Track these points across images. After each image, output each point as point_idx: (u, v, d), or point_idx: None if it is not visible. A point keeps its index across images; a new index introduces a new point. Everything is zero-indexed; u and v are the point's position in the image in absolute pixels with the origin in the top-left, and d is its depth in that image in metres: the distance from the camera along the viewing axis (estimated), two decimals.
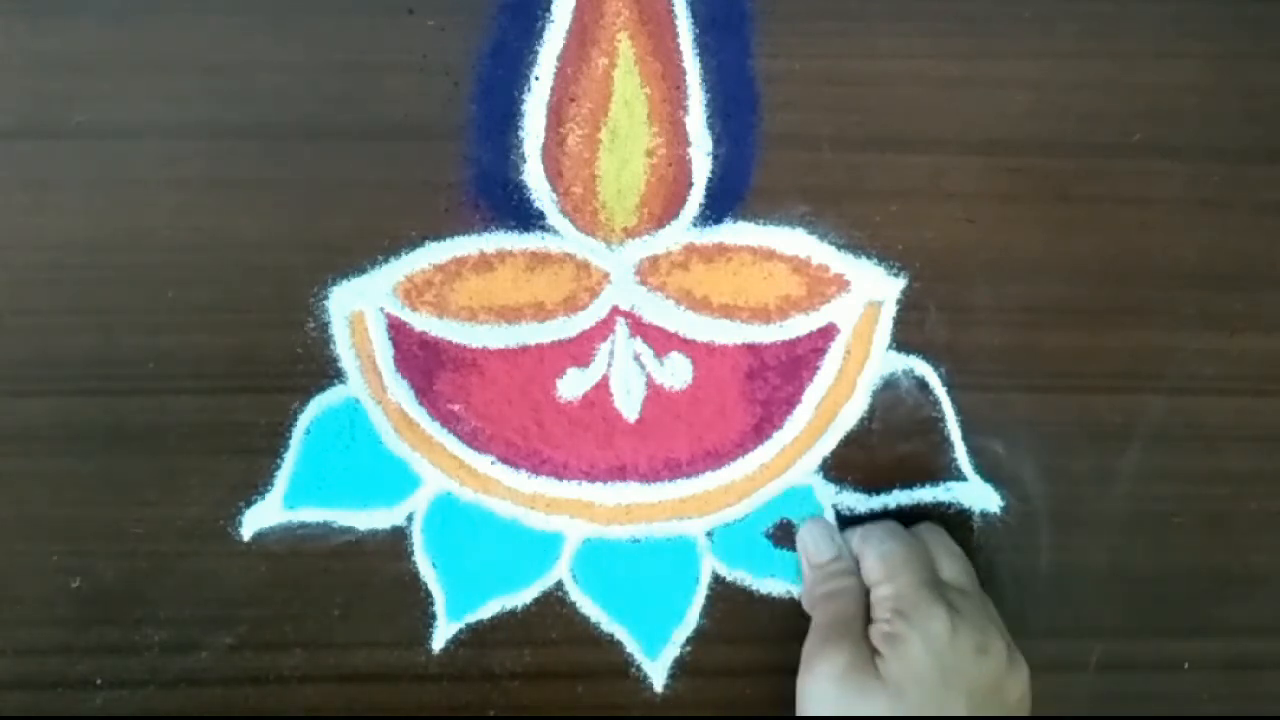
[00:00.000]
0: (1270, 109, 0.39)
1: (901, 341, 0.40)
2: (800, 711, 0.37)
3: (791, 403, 0.40)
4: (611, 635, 0.41)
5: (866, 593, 0.38)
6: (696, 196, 0.38)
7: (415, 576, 0.40)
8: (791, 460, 0.40)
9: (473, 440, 0.40)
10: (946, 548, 0.39)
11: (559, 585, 0.41)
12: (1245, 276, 0.40)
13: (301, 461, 0.39)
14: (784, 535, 0.41)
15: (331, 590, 0.40)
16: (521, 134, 0.38)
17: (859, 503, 0.41)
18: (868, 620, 0.37)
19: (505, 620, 0.41)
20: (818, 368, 0.40)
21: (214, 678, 0.40)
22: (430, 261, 0.38)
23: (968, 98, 0.38)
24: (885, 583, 0.37)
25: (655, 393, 0.40)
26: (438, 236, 0.38)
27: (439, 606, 0.40)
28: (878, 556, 0.37)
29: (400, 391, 0.39)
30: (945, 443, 0.41)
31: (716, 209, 0.38)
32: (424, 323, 0.39)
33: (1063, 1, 0.38)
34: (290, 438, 0.39)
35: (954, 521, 0.41)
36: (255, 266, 0.38)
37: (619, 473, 0.40)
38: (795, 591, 0.41)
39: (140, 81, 0.37)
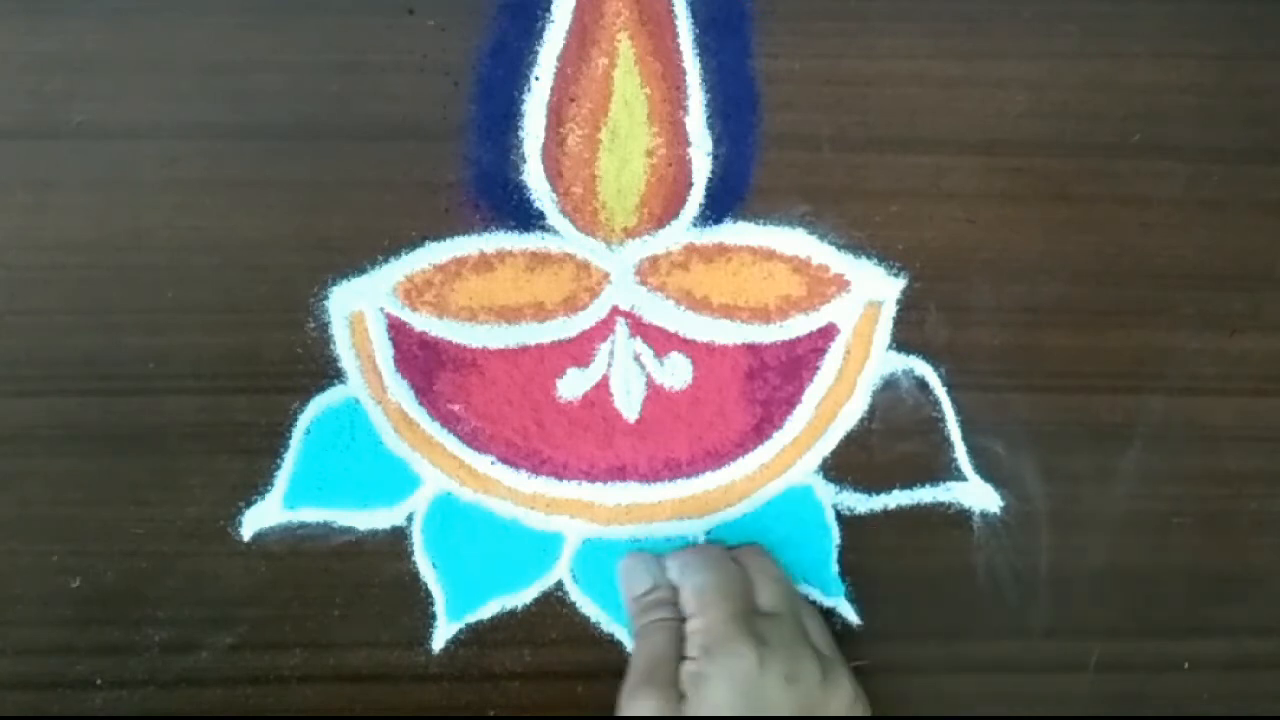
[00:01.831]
0: (1270, 109, 0.39)
1: (901, 341, 0.40)
2: None
3: (791, 403, 0.40)
4: (611, 635, 0.41)
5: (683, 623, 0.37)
6: (696, 196, 0.38)
7: (415, 576, 0.40)
8: (791, 460, 0.40)
9: (473, 440, 0.40)
10: (766, 572, 0.38)
11: (559, 585, 0.41)
12: (1245, 276, 0.40)
13: (301, 461, 0.39)
14: None
15: (331, 590, 0.40)
16: (521, 134, 0.38)
17: (859, 503, 0.41)
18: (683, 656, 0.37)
19: (505, 620, 0.41)
20: (818, 368, 0.40)
21: (214, 678, 0.40)
22: (430, 261, 0.38)
23: (968, 98, 0.38)
24: (697, 616, 0.37)
25: (655, 393, 0.40)
26: (438, 236, 0.38)
27: (439, 606, 0.40)
28: (692, 589, 0.37)
29: (400, 391, 0.39)
30: (945, 443, 0.41)
31: (716, 209, 0.38)
32: (424, 323, 0.39)
33: (1063, 1, 0.38)
34: (290, 438, 0.39)
35: (954, 521, 0.41)
36: (255, 266, 0.38)
37: (619, 473, 0.40)
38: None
39: (140, 81, 0.37)
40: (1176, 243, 0.40)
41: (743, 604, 0.37)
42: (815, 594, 0.41)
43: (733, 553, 0.39)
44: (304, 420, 0.39)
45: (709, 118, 0.38)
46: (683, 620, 0.37)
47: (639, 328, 0.39)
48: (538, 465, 0.40)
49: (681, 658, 0.36)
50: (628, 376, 0.40)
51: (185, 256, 0.38)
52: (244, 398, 0.39)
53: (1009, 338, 0.40)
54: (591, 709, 0.41)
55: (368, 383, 0.39)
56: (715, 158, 0.38)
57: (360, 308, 0.38)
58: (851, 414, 0.40)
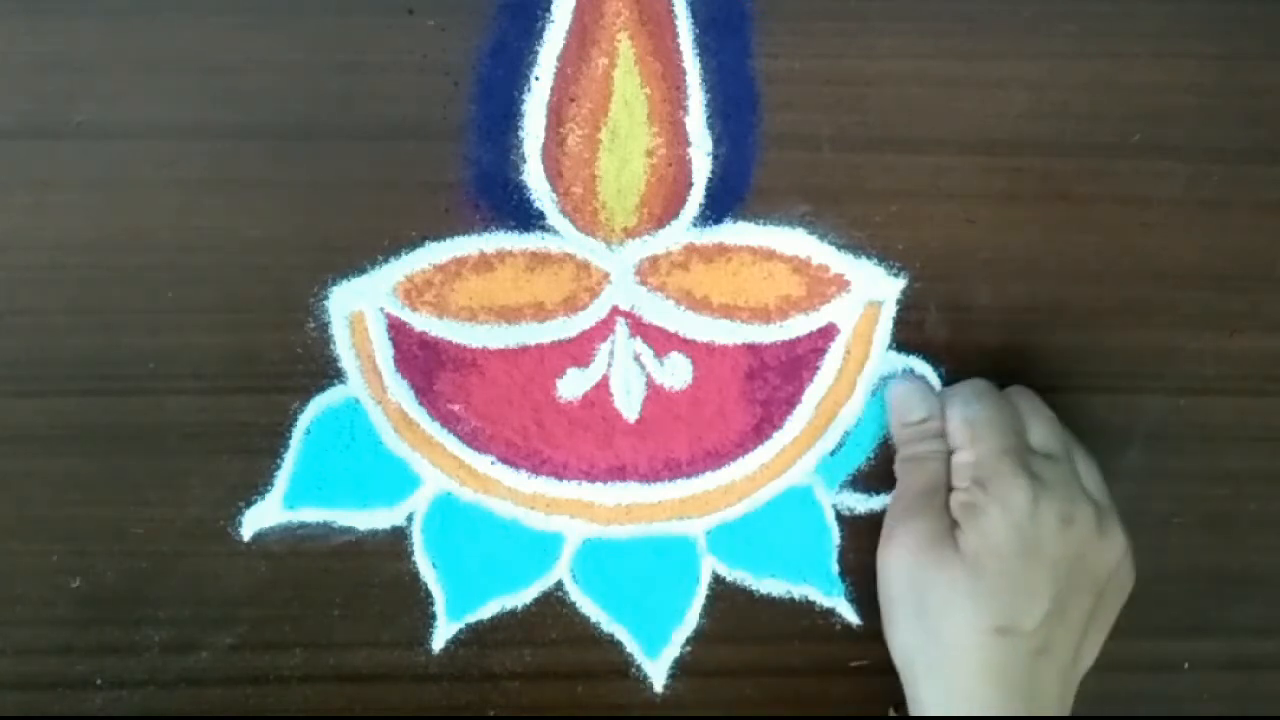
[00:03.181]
0: (1270, 109, 0.39)
1: (901, 341, 0.40)
2: (880, 582, 0.36)
3: (791, 403, 0.40)
4: (611, 635, 0.41)
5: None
6: (696, 196, 0.38)
7: (415, 576, 0.40)
8: (791, 460, 0.40)
9: (473, 440, 0.40)
10: (1037, 411, 0.37)
11: (559, 585, 0.41)
12: (1245, 276, 0.40)
13: (301, 461, 0.39)
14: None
15: (331, 590, 0.40)
16: (521, 134, 0.37)
17: (859, 503, 0.41)
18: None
19: (505, 620, 0.41)
20: (818, 368, 0.40)
21: (214, 678, 0.40)
22: (430, 261, 0.38)
23: (968, 98, 0.38)
24: (967, 448, 0.35)
25: (655, 393, 0.40)
26: (438, 236, 0.38)
27: (439, 606, 0.40)
28: (961, 420, 0.36)
29: (400, 391, 0.39)
30: None
31: (716, 209, 0.38)
32: (424, 323, 0.39)
33: (1063, 1, 0.38)
34: (290, 438, 0.39)
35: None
36: (255, 266, 0.38)
37: (619, 473, 0.40)
38: (795, 591, 0.41)
39: (140, 81, 0.37)
40: (1176, 243, 0.40)
41: (1017, 439, 0.35)
42: (815, 594, 0.41)
43: (1003, 391, 0.38)
44: (304, 420, 0.39)
45: (709, 118, 0.38)
46: (948, 451, 0.37)
47: (639, 328, 0.39)
48: (538, 465, 0.40)
49: (949, 489, 0.36)
50: (628, 376, 0.40)
51: (185, 256, 0.38)
52: (244, 398, 0.39)
53: (1009, 338, 0.40)
54: (591, 709, 0.41)
55: (368, 383, 0.39)
56: (715, 158, 0.38)
57: (360, 308, 0.38)
58: (851, 414, 0.40)
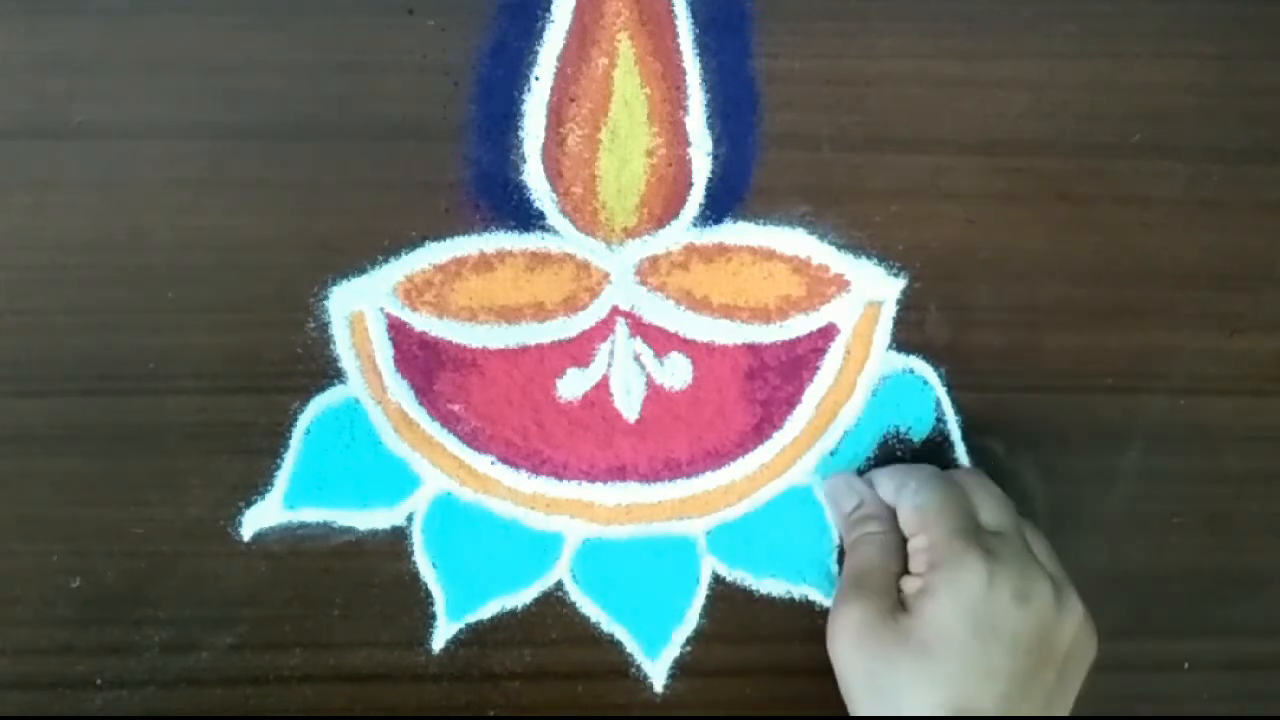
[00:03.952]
0: (1270, 109, 0.39)
1: (901, 341, 0.40)
2: (834, 669, 0.36)
3: (791, 403, 0.40)
4: (611, 635, 0.41)
5: (902, 541, 0.36)
6: (696, 196, 0.38)
7: (415, 576, 0.40)
8: (791, 460, 0.40)
9: (473, 440, 0.40)
10: (986, 490, 0.37)
11: (559, 585, 0.41)
12: (1245, 276, 0.40)
13: (301, 461, 0.39)
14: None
15: (331, 590, 0.40)
16: (521, 134, 0.38)
17: None
18: (901, 570, 0.36)
19: (505, 620, 0.41)
20: (818, 368, 0.40)
21: (214, 678, 0.40)
22: (430, 261, 0.38)
23: (968, 98, 0.38)
24: (920, 534, 0.35)
25: (655, 393, 0.40)
26: (438, 236, 0.38)
27: (439, 606, 0.40)
28: (911, 508, 0.36)
29: (400, 391, 0.39)
30: (945, 443, 0.41)
31: (716, 209, 0.38)
32: (424, 323, 0.39)
33: (1063, 1, 0.38)
34: (290, 438, 0.39)
35: None
36: (255, 266, 0.38)
37: (619, 473, 0.40)
38: (795, 592, 0.41)
39: (140, 81, 0.37)
40: (1176, 243, 0.40)
41: (966, 520, 0.35)
42: (815, 594, 0.41)
43: (948, 473, 0.38)
44: (304, 420, 0.39)
45: (709, 118, 0.38)
46: (893, 533, 0.36)
47: (639, 328, 0.39)
48: (538, 465, 0.40)
49: (903, 572, 0.35)
50: (628, 376, 0.40)
51: (185, 256, 0.38)
52: (244, 398, 0.39)
53: (1009, 338, 0.40)
54: (591, 709, 0.41)
55: (368, 383, 0.39)
56: (715, 158, 0.38)
57: (360, 308, 0.38)
58: (851, 414, 0.40)
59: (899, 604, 0.35)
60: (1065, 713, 0.35)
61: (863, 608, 0.35)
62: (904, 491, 0.37)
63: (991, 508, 0.36)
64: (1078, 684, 0.35)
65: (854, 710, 0.35)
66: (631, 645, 0.41)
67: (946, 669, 0.33)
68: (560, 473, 0.40)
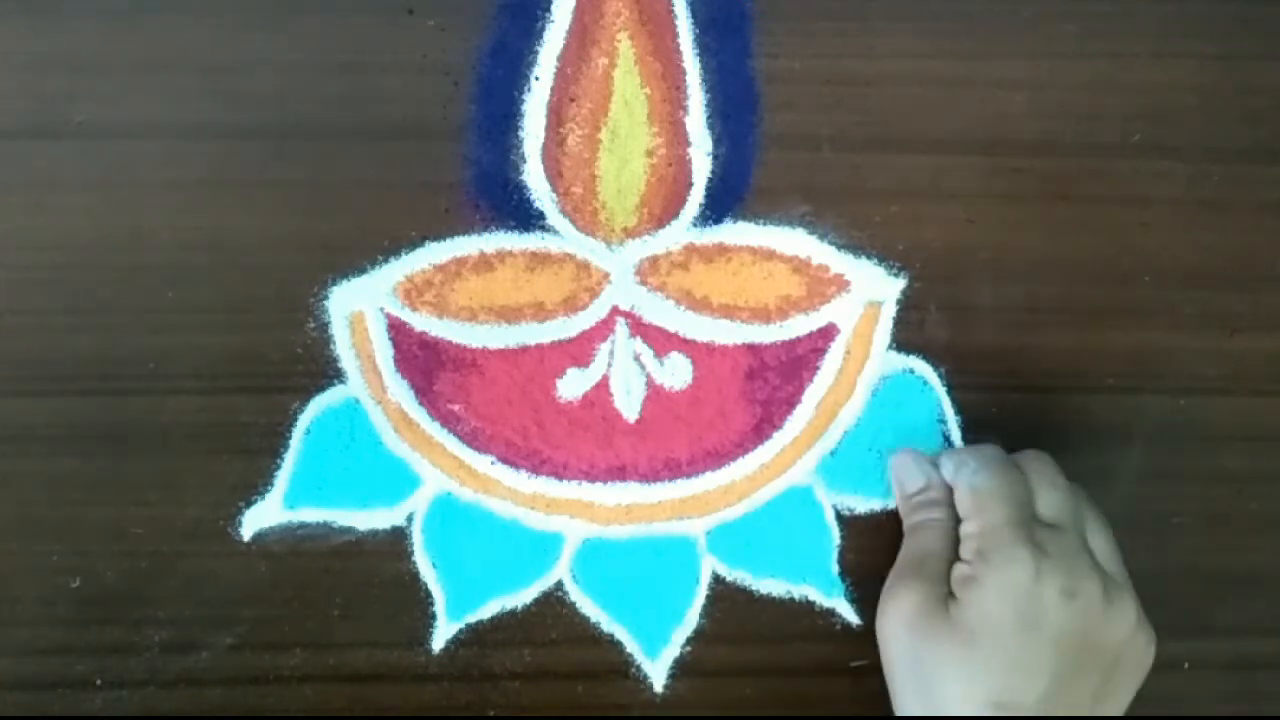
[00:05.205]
0: (1270, 109, 0.39)
1: (901, 341, 0.40)
2: (880, 651, 0.36)
3: (791, 403, 0.40)
4: (611, 635, 0.41)
5: (958, 524, 0.36)
6: (696, 196, 0.38)
7: (415, 576, 0.40)
8: (791, 460, 0.40)
9: (473, 440, 0.40)
10: (1048, 479, 0.36)
11: (559, 585, 0.41)
12: (1245, 276, 0.40)
13: (301, 461, 0.39)
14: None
15: (331, 590, 0.40)
16: (521, 134, 0.38)
17: (859, 503, 0.41)
18: (955, 556, 0.35)
19: (505, 620, 0.41)
20: (818, 368, 0.40)
21: (214, 678, 0.40)
22: (430, 261, 0.38)
23: (968, 98, 0.38)
24: (973, 518, 0.35)
25: (655, 393, 0.40)
26: (438, 236, 0.38)
27: (439, 606, 0.40)
28: (967, 489, 0.35)
29: (400, 391, 0.39)
30: (945, 443, 0.41)
31: (716, 209, 0.38)
32: (424, 323, 0.39)
33: (1063, 1, 0.38)
34: (290, 438, 0.39)
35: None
36: (255, 266, 0.38)
37: (619, 473, 0.40)
38: (795, 592, 0.41)
39: (140, 81, 0.37)
40: (1176, 243, 0.40)
41: (1022, 510, 0.34)
42: (815, 594, 0.41)
43: (1014, 457, 0.37)
44: (304, 420, 0.39)
45: (709, 118, 0.38)
46: (956, 522, 0.36)
47: (639, 328, 0.39)
48: (538, 465, 0.40)
49: (955, 559, 0.35)
50: (628, 376, 0.40)
51: (185, 256, 0.38)
52: (244, 398, 0.39)
53: (1009, 338, 0.40)
54: (591, 709, 0.41)
55: (368, 383, 0.39)
56: (715, 158, 0.38)
57: (360, 308, 0.38)
58: (851, 414, 0.40)
59: (950, 592, 0.35)
60: (1116, 713, 0.35)
61: (920, 592, 0.34)
62: (963, 470, 0.36)
63: (1051, 498, 0.35)
64: (1130, 691, 0.35)
65: (893, 691, 0.35)
66: (631, 645, 0.41)
67: (990, 662, 0.33)
68: (560, 473, 0.40)
